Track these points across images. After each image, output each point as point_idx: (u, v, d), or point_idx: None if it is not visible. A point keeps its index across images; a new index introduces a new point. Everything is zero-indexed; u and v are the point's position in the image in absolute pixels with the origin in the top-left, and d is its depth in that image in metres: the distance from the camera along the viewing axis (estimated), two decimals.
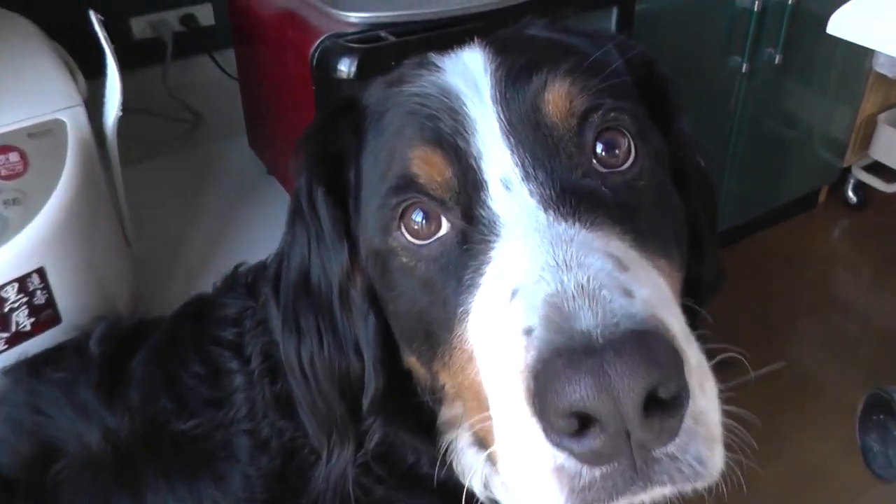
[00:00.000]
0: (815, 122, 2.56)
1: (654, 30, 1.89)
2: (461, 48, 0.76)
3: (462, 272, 0.66)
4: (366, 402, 0.77)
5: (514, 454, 0.59)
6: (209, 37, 2.00)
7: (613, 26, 1.55)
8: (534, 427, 0.55)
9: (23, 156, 1.03)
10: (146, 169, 1.73)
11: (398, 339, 0.77)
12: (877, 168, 2.79)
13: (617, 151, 0.70)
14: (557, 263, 0.59)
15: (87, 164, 1.08)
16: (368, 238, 0.73)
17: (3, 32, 1.27)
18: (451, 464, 0.83)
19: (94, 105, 1.20)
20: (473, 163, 0.68)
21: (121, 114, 1.15)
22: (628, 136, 0.71)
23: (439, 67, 0.74)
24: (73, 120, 1.09)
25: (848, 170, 2.82)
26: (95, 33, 1.15)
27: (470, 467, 0.82)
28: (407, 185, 0.69)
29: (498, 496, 0.84)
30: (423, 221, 0.69)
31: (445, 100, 0.70)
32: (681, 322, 0.60)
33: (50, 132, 1.05)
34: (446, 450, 0.83)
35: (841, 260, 2.81)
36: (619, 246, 0.62)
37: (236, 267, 1.04)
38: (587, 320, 0.54)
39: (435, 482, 0.84)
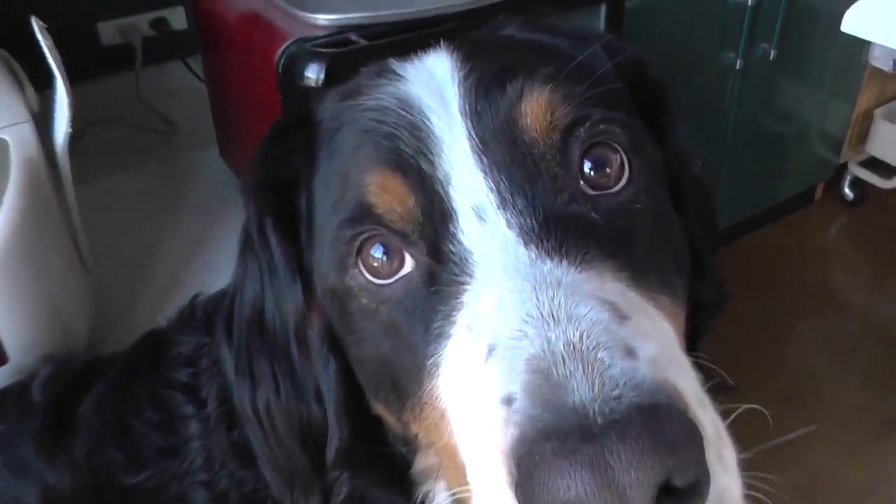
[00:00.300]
0: (811, 118, 2.51)
1: (646, 26, 1.83)
2: (426, 53, 0.67)
3: (430, 318, 0.57)
4: (330, 454, 0.69)
5: None
6: (181, 41, 1.91)
7: (602, 24, 1.48)
8: None
9: None
10: (117, 182, 1.65)
11: (363, 385, 0.68)
12: (873, 164, 2.74)
13: (608, 170, 0.60)
14: (542, 315, 0.50)
15: (33, 185, 1.00)
16: (323, 275, 0.64)
17: None
18: None
19: (47, 119, 1.12)
20: (440, 188, 0.58)
21: (71, 130, 1.06)
22: (620, 151, 0.61)
23: (400, 76, 0.64)
24: (18, 137, 1.00)
25: (844, 166, 2.77)
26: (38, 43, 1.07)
27: None
28: (363, 216, 0.60)
29: None
30: (384, 258, 0.60)
31: (406, 114, 0.61)
32: (693, 381, 0.51)
33: None
34: (422, 502, 0.74)
35: (838, 258, 2.76)
36: (615, 287, 0.53)
37: (194, 297, 0.95)
38: (582, 392, 0.45)
39: None
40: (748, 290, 2.47)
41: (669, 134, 0.72)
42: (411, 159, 0.59)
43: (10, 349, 0.99)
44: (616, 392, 0.45)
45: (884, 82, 2.61)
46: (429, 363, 0.57)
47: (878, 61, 2.44)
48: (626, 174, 0.61)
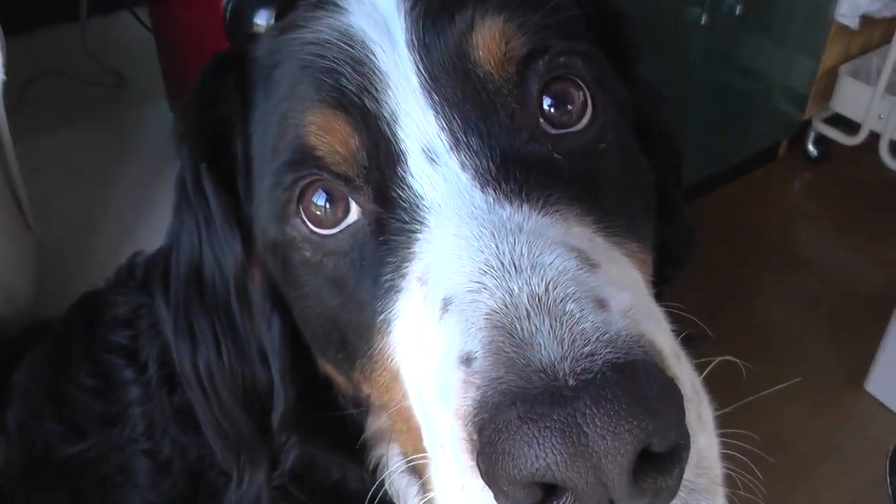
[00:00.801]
0: (776, 75, 2.51)
1: None
2: None
3: (379, 270, 0.54)
4: (276, 419, 0.66)
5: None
6: None
7: None
8: (480, 491, 0.42)
9: None
10: (60, 137, 1.59)
11: (310, 344, 0.65)
12: (837, 121, 2.74)
13: (570, 107, 0.57)
14: (503, 264, 0.46)
15: None
16: (263, 226, 0.61)
17: None
18: (382, 481, 0.71)
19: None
20: (386, 128, 0.55)
21: (5, 77, 1.00)
22: (583, 86, 0.57)
23: (341, 7, 0.60)
24: None
25: (809, 123, 2.78)
26: None
27: (403, 491, 0.71)
28: (303, 159, 0.56)
29: None
30: (327, 205, 0.56)
31: (349, 48, 0.57)
32: (669, 334, 0.48)
33: None
34: (376, 466, 0.72)
35: (801, 213, 2.78)
36: (581, 233, 0.50)
37: (133, 256, 0.91)
38: (550, 350, 0.41)
39: (366, 499, 0.72)
40: (712, 244, 2.48)
41: (633, 69, 0.68)
42: (355, 97, 0.55)
43: None
44: (588, 348, 0.41)
45: (849, 39, 2.60)
46: (379, 320, 0.54)
47: (844, 18, 2.43)
48: (590, 111, 0.58)
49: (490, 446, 0.40)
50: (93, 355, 0.83)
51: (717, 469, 0.45)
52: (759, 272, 2.48)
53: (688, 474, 0.41)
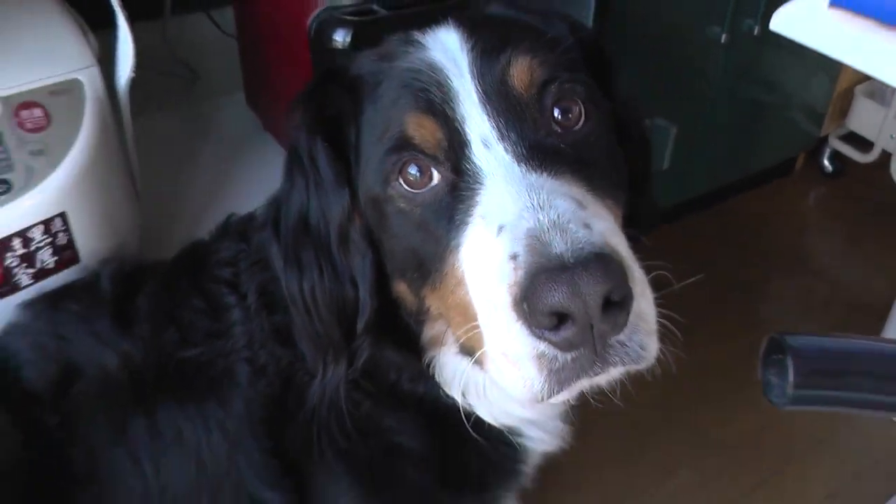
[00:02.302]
0: (794, 92, 2.61)
1: (633, 0, 1.93)
2: (437, 27, 0.88)
3: (453, 213, 0.81)
4: (360, 324, 0.91)
5: (501, 351, 0.75)
6: None
7: None
8: (519, 326, 0.71)
9: (45, 112, 1.14)
10: (145, 124, 1.81)
11: (391, 272, 0.90)
12: (853, 138, 2.85)
13: (570, 115, 0.85)
14: (534, 205, 0.74)
15: (102, 120, 1.19)
16: (369, 187, 0.87)
17: None
18: (432, 378, 0.98)
19: (105, 61, 1.29)
20: (458, 126, 0.81)
21: (133, 74, 1.24)
22: (580, 102, 0.85)
23: (424, 45, 0.87)
24: (89, 79, 1.19)
25: (825, 139, 2.88)
26: None
27: (451, 377, 0.97)
28: (404, 146, 0.83)
29: (473, 403, 0.99)
30: (418, 174, 0.83)
31: (433, 74, 0.83)
32: (626, 247, 0.76)
33: (69, 90, 1.15)
34: (429, 364, 0.98)
35: (814, 226, 2.89)
36: (578, 190, 0.77)
37: (228, 217, 1.16)
38: (560, 246, 0.69)
39: (414, 399, 1.00)
40: (725, 250, 2.64)
41: (615, 88, 0.96)
42: (439, 106, 0.82)
43: (82, 252, 1.20)
44: (580, 246, 0.69)
45: None
46: (451, 244, 0.81)
47: None
48: (583, 117, 0.86)
49: (529, 296, 0.68)
50: (201, 286, 1.07)
51: (652, 323, 0.74)
52: (771, 277, 2.59)
53: (632, 318, 0.71)
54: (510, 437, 1.05)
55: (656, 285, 0.78)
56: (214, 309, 1.06)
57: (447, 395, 1.00)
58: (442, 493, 1.09)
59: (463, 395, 0.98)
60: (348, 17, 1.29)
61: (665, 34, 2.06)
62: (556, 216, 0.72)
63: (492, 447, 1.06)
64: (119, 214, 1.28)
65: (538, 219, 0.72)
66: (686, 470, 2.10)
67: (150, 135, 1.74)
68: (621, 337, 0.71)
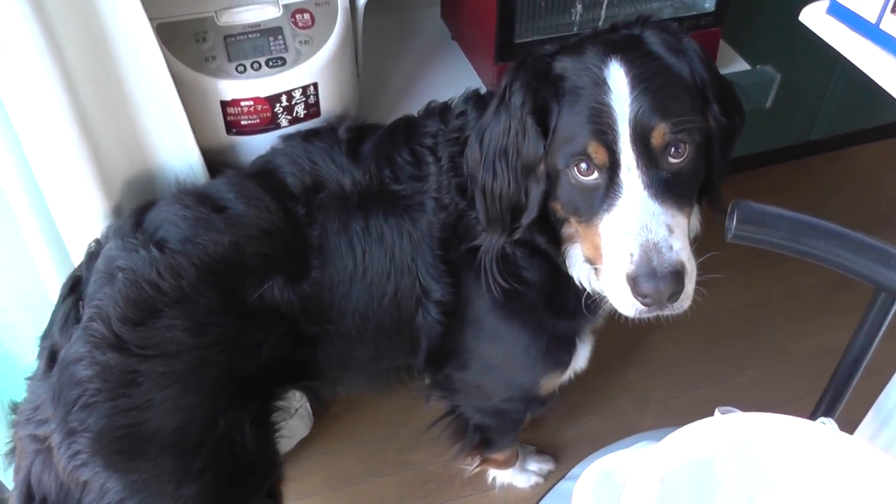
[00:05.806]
0: None
1: None
2: (612, 59, 1.19)
3: (603, 197, 1.21)
4: (526, 220, 1.32)
5: (613, 286, 1.20)
6: None
7: None
8: (626, 288, 1.17)
9: (312, 16, 1.58)
10: (365, 26, 2.00)
11: (553, 199, 1.30)
12: None
13: (680, 152, 1.22)
14: (647, 226, 1.14)
15: (346, 23, 1.62)
16: (556, 161, 1.25)
17: None
18: (564, 257, 1.41)
19: None
20: (616, 156, 1.16)
21: None
22: (688, 145, 1.22)
23: (608, 88, 1.17)
24: None
25: None
26: None
27: (573, 262, 1.39)
28: (584, 156, 1.19)
29: (580, 275, 1.38)
30: (586, 170, 1.20)
31: (608, 119, 1.16)
32: (690, 256, 1.17)
33: (328, 3, 1.59)
34: (563, 259, 1.41)
35: None
36: (672, 215, 1.16)
37: (429, 103, 1.56)
38: (656, 261, 1.12)
39: (544, 254, 1.41)
40: (838, 197, 2.83)
41: (713, 112, 1.28)
42: (610, 144, 1.16)
43: (323, 110, 1.65)
44: (666, 265, 1.12)
45: None
46: (599, 212, 1.20)
47: None
48: (686, 154, 1.22)
49: (634, 283, 1.15)
50: (410, 145, 1.42)
51: (690, 294, 1.17)
52: (877, 228, 2.53)
53: (682, 297, 1.16)
54: (596, 295, 1.39)
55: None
56: (417, 162, 1.41)
57: (566, 265, 1.40)
58: (546, 313, 1.51)
59: (588, 280, 1.37)
60: None
61: None
62: (656, 238, 1.13)
63: (584, 296, 1.40)
64: (348, 88, 1.65)
65: (647, 238, 1.13)
66: (752, 370, 2.45)
67: (368, 34, 2.01)
68: (673, 302, 1.16)
